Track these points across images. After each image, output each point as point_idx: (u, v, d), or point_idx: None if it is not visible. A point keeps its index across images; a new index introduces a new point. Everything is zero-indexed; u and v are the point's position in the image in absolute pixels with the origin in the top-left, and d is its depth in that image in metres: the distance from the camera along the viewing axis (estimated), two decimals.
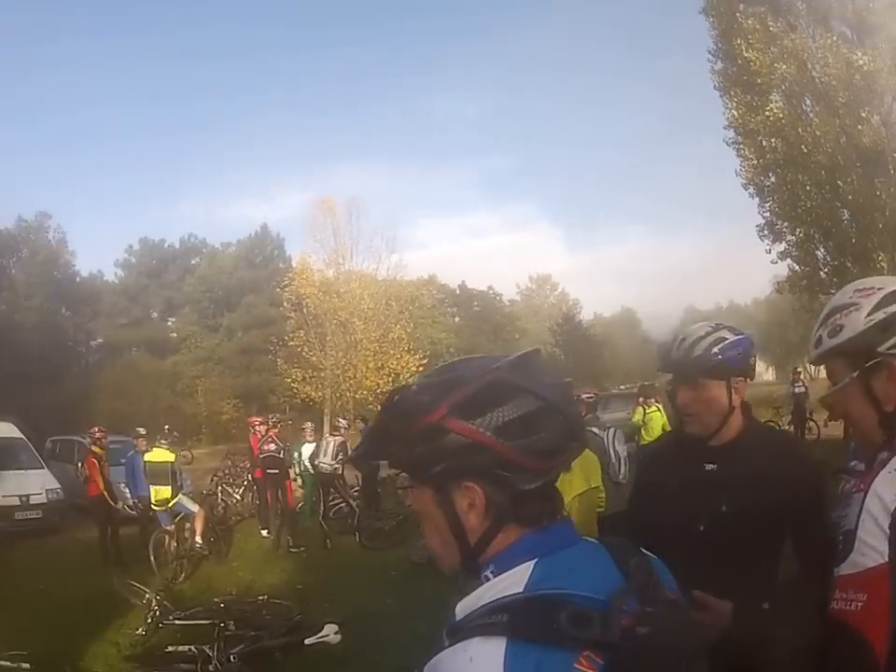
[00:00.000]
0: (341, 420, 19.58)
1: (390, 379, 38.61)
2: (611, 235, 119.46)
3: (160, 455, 13.10)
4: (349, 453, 15.14)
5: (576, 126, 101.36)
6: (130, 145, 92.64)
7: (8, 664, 7.19)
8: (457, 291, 56.99)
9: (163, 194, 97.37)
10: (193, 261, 57.84)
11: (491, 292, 58.48)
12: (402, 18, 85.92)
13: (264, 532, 15.37)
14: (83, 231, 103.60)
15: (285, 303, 40.71)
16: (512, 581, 1.34)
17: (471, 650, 1.26)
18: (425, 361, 39.96)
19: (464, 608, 1.40)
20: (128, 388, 44.67)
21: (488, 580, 1.39)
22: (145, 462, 13.18)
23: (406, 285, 43.03)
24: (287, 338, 39.62)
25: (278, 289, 42.11)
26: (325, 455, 15.14)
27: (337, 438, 15.93)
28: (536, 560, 1.38)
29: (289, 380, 39.64)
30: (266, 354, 42.91)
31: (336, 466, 15.13)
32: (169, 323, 57.83)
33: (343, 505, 15.49)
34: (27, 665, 7.16)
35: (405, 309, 41.01)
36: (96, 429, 15.01)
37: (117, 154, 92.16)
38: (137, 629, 9.06)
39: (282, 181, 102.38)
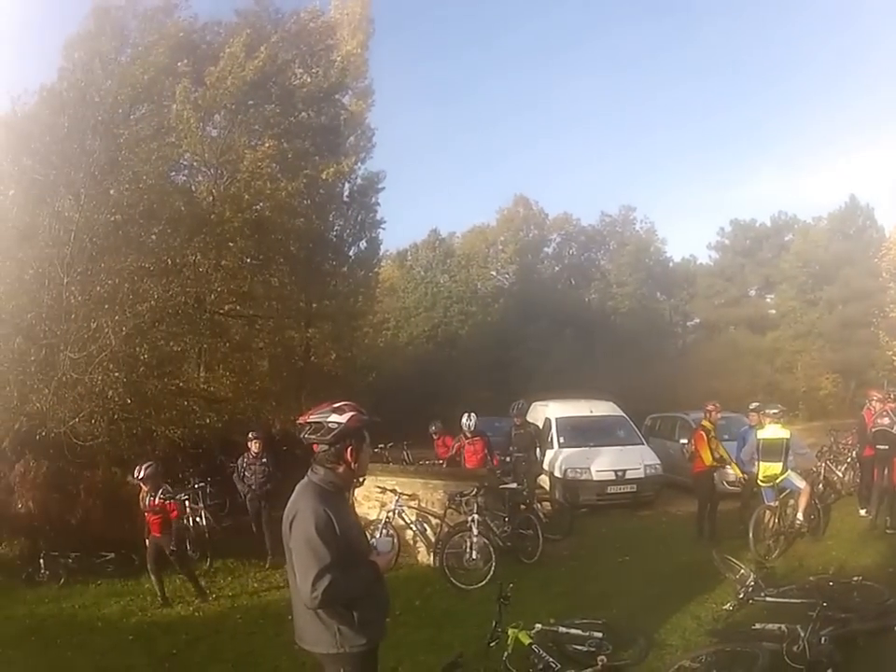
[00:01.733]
0: None
1: None
2: None
3: (775, 430, 12.85)
4: None
5: None
6: (702, 130, 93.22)
7: (579, 632, 7.71)
8: None
9: (745, 175, 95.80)
10: (786, 238, 56.51)
11: None
12: None
13: (862, 511, 14.79)
14: (670, 219, 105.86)
15: (883, 274, 38.67)
16: None
17: None
18: None
19: None
20: (726, 366, 44.80)
21: None
22: (759, 439, 12.98)
23: None
24: (887, 309, 37.66)
25: (875, 260, 40.11)
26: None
27: None
28: None
29: (890, 353, 37.72)
30: (867, 326, 41.05)
31: None
32: (767, 300, 57.13)
33: None
34: (598, 635, 7.62)
35: None
36: (711, 404, 14.71)
37: (694, 142, 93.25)
38: (724, 604, 9.18)
39: (859, 146, 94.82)
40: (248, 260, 22.95)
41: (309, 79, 25.04)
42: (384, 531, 12.30)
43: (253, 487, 14.14)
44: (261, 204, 22.24)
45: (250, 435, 14.67)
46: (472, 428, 15.37)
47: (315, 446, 4.55)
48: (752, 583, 9.19)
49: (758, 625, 7.83)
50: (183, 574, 11.99)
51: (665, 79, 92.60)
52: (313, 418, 4.55)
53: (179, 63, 21.62)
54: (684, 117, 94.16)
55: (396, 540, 12.30)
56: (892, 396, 15.16)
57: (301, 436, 4.61)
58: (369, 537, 10.74)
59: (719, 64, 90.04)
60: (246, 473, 14.32)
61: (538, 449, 15.98)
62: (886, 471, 14.30)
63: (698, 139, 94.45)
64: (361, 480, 4.89)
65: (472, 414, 15.47)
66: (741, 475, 14.40)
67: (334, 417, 4.49)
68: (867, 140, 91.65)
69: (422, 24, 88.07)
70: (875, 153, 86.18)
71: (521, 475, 14.95)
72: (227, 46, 22.26)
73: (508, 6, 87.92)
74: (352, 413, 4.52)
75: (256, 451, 14.37)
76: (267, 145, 22.29)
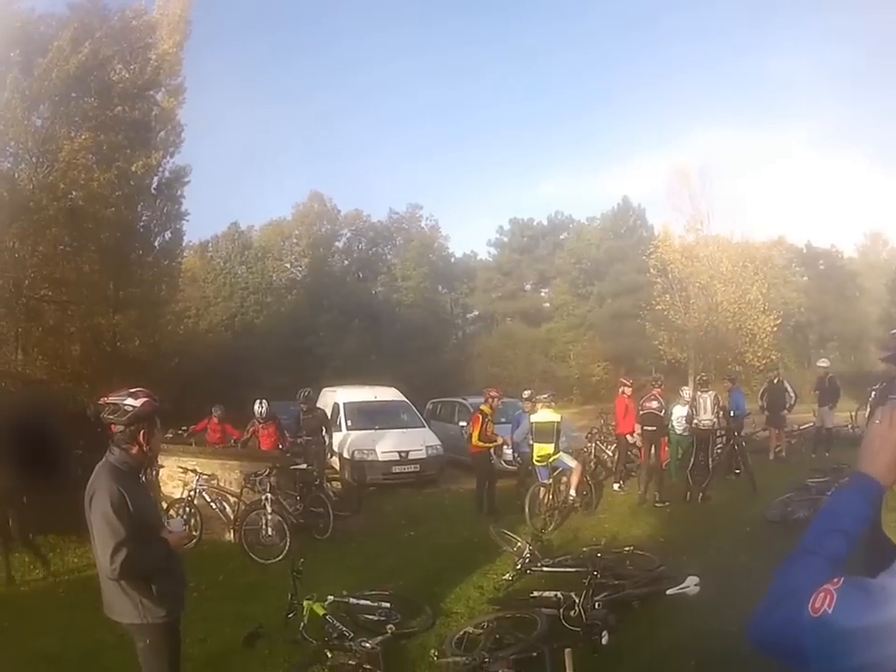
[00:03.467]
0: (703, 375, 19.25)
1: (748, 339, 38.27)
2: None
3: (546, 415, 13.60)
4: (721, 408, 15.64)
5: None
6: (488, 135, 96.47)
7: (369, 602, 7.99)
8: (804, 251, 54.33)
9: (526, 177, 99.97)
10: (562, 236, 60.05)
11: (834, 250, 55.28)
12: None
13: (616, 486, 16.06)
14: (454, 218, 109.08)
15: (651, 270, 41.02)
16: None
17: None
18: (778, 322, 39.16)
19: None
20: (504, 355, 47.68)
21: None
22: (532, 422, 13.76)
23: (759, 246, 41.70)
24: (653, 302, 40.00)
25: (643, 257, 42.63)
26: (704, 413, 15.07)
27: (711, 393, 15.50)
28: None
29: (656, 342, 40.18)
30: (635, 318, 43.55)
31: (713, 420, 15.12)
32: (542, 294, 60.50)
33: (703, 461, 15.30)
34: (387, 605, 7.92)
35: (759, 270, 39.74)
36: (493, 390, 15.43)
37: (480, 146, 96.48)
38: (504, 574, 9.64)
39: (636, 152, 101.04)
40: (62, 247, 23.37)
41: (126, 75, 25.31)
42: (185, 509, 12.38)
43: None
44: (76, 193, 22.66)
45: None
46: (264, 415, 15.63)
47: (112, 427, 4.80)
48: (529, 555, 9.70)
49: (536, 593, 8.26)
50: None
51: (452, 83, 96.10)
52: (111, 400, 4.84)
53: (12, 54, 21.72)
54: (469, 121, 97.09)
55: (198, 519, 12.41)
56: (659, 382, 16.26)
57: (101, 416, 4.91)
58: (174, 515, 10.67)
59: (503, 69, 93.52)
60: None
61: (325, 432, 16.25)
62: (653, 451, 15.59)
63: (482, 142, 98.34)
64: (155, 462, 5.04)
65: (264, 401, 15.76)
66: (510, 452, 15.47)
67: (129, 401, 4.77)
68: (642, 145, 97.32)
69: (236, 28, 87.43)
70: (649, 156, 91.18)
71: (311, 456, 15.14)
72: (55, 39, 22.52)
73: (320, 19, 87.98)
74: (145, 399, 4.81)
75: None
76: (84, 136, 22.67)
